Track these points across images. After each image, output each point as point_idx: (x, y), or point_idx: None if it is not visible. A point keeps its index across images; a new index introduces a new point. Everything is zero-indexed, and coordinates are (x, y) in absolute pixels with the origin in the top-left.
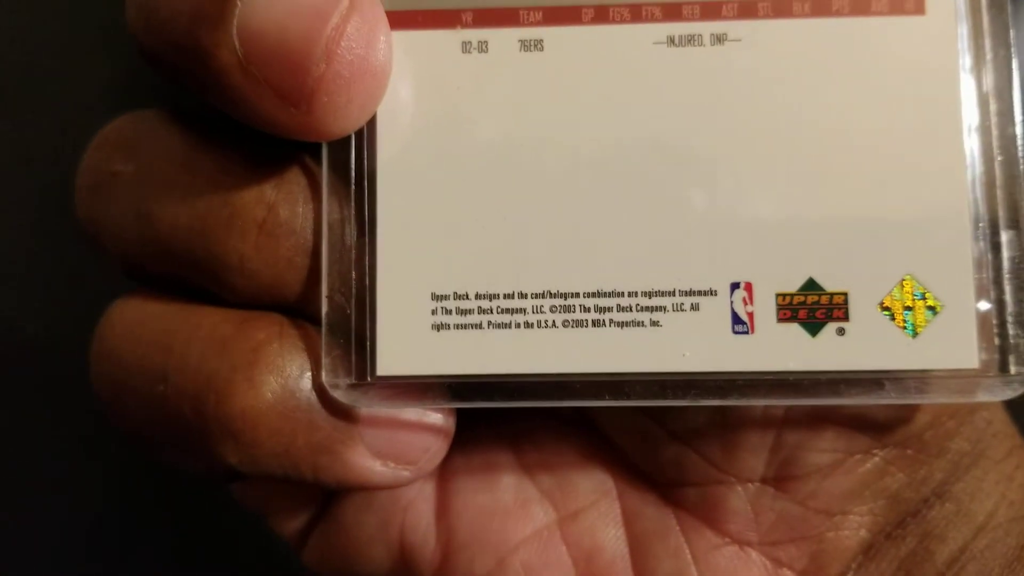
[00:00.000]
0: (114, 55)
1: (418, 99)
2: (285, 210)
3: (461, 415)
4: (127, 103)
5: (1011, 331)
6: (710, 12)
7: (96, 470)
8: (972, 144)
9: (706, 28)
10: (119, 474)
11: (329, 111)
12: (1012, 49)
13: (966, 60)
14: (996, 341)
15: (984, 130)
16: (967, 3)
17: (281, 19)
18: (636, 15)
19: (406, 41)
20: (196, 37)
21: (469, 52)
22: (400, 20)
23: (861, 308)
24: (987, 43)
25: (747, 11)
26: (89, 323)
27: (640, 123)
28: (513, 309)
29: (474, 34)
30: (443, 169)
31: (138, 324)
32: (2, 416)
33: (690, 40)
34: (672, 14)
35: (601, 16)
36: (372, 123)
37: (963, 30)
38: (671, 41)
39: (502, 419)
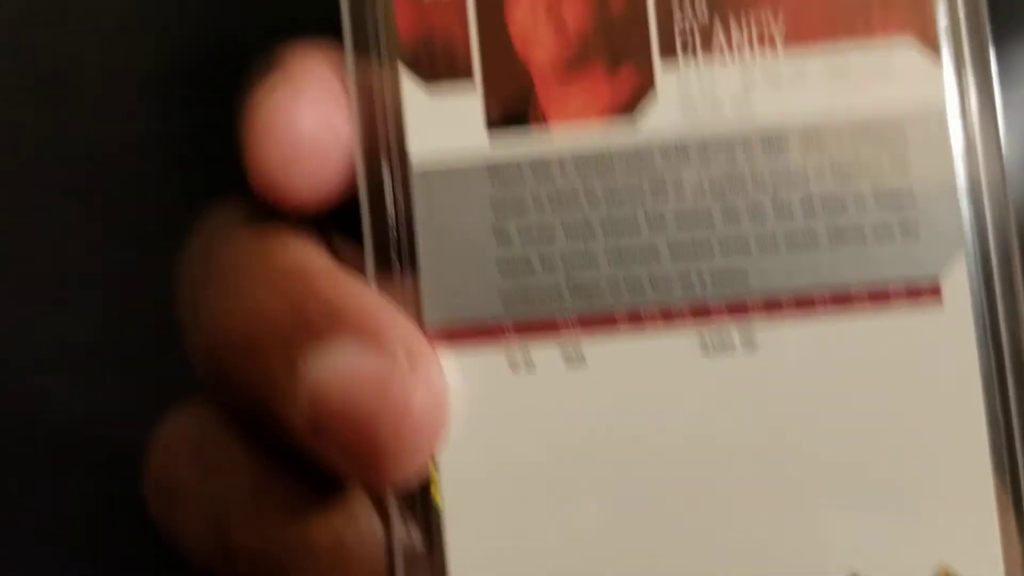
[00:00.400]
0: (154, 48)
1: (473, 422)
2: (353, 539)
3: None
4: (167, 97)
5: None
6: (737, 309)
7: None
8: (996, 431)
9: (736, 330)
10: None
11: (396, 467)
12: None
13: (984, 344)
14: None
15: (1004, 412)
16: (982, 293)
17: (347, 387)
18: (667, 317)
19: (457, 363)
20: (265, 396)
21: (517, 372)
22: (445, 336)
23: None
24: (1004, 331)
25: (772, 307)
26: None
27: (682, 433)
28: None
29: (520, 351)
30: (502, 489)
31: None
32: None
33: (722, 347)
34: (701, 314)
35: (635, 320)
36: None
37: (978, 317)
38: (704, 350)
39: None
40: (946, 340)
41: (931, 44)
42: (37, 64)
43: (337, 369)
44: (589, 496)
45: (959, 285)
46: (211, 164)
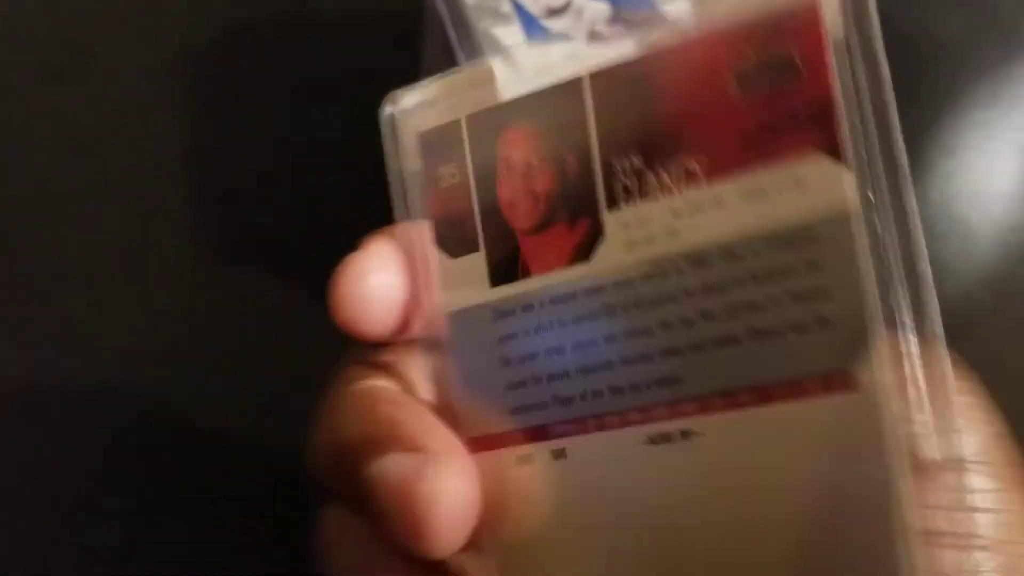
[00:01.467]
0: (167, 35)
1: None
2: None
3: None
4: (179, 81)
5: None
6: (675, 410)
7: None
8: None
9: (674, 425)
10: None
11: (434, 539)
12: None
13: (894, 426)
14: None
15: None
16: (892, 380)
17: (396, 484)
18: (624, 420)
19: (480, 463)
20: (348, 492)
21: (522, 465)
22: (475, 444)
23: None
24: (913, 415)
25: (704, 407)
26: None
27: (637, 512)
28: None
29: (524, 449)
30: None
31: None
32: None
33: (665, 439)
34: (647, 414)
35: (599, 422)
36: None
37: (892, 403)
38: (651, 441)
39: None
40: (859, 423)
41: (836, 155)
42: (52, 54)
43: (391, 474)
44: (573, 553)
45: (870, 374)
46: (221, 159)
